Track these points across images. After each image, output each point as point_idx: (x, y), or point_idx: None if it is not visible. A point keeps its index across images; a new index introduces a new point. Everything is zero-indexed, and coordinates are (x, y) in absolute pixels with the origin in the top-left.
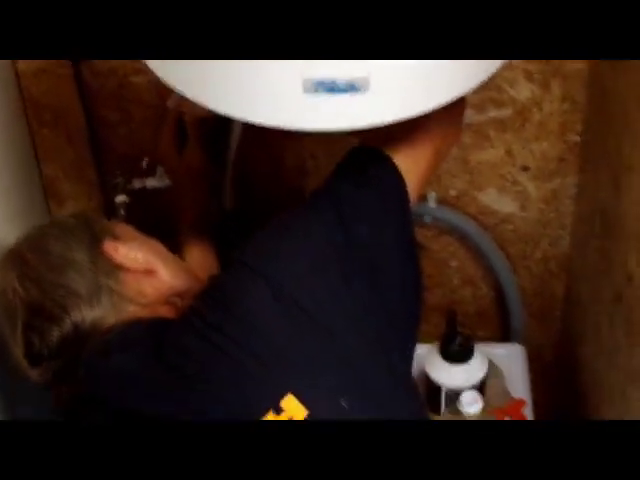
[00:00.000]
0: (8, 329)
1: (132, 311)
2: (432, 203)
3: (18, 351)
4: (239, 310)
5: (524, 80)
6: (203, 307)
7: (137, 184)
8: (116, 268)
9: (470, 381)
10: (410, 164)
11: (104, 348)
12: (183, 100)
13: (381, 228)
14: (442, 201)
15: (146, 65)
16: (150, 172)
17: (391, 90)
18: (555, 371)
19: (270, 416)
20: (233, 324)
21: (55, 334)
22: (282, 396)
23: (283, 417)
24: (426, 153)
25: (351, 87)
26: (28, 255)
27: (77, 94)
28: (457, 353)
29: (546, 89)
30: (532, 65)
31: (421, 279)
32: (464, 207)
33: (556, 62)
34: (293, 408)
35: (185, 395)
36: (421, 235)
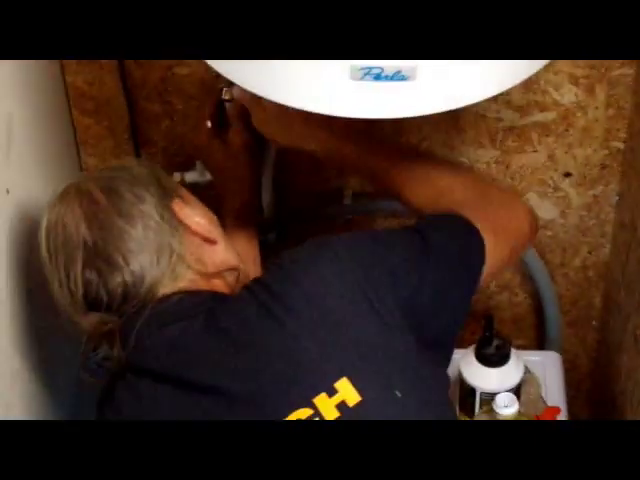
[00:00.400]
0: (63, 267)
1: (188, 279)
2: None
3: (73, 291)
4: (306, 285)
5: (569, 84)
6: (269, 277)
7: (176, 178)
8: (181, 228)
9: (505, 385)
10: (493, 247)
11: (161, 319)
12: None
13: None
14: None
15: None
16: (190, 166)
17: (438, 80)
18: (591, 381)
19: (323, 396)
20: (297, 298)
21: (115, 280)
22: (337, 378)
23: (335, 399)
24: (508, 244)
25: (398, 75)
26: (98, 195)
27: (120, 85)
28: (493, 357)
29: (591, 94)
30: (578, 69)
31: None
32: None
33: (602, 67)
34: (347, 392)
35: (237, 362)
36: None
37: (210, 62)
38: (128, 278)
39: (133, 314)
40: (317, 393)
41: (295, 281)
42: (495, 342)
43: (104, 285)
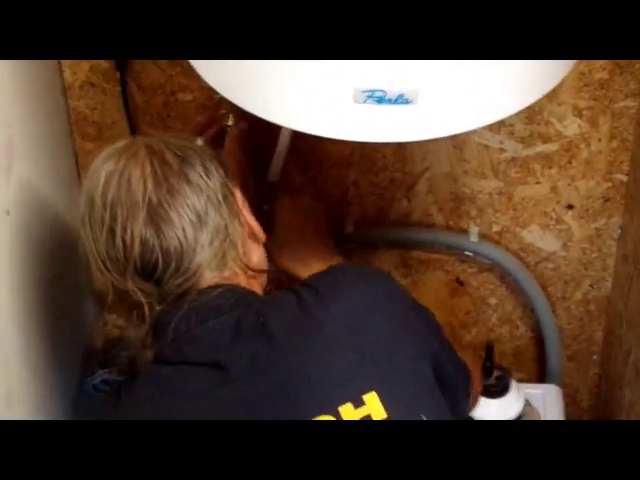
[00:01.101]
0: (121, 220)
1: (233, 271)
2: (474, 238)
3: (128, 247)
4: (354, 295)
5: (573, 116)
6: (316, 281)
7: None
8: (238, 216)
9: (505, 416)
10: None
11: (200, 313)
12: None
13: None
14: (484, 236)
15: (199, 74)
16: None
17: (441, 104)
18: (592, 415)
19: (348, 406)
20: (342, 305)
21: (171, 244)
22: (366, 391)
23: (361, 411)
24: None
25: (401, 99)
26: (170, 159)
27: (122, 110)
28: (493, 387)
29: (594, 126)
30: (581, 101)
31: None
32: (506, 243)
33: (606, 99)
34: (374, 406)
35: (271, 357)
36: (461, 270)
37: (215, 86)
38: (185, 247)
39: (170, 305)
40: (344, 402)
41: (343, 289)
42: (495, 373)
43: (161, 248)
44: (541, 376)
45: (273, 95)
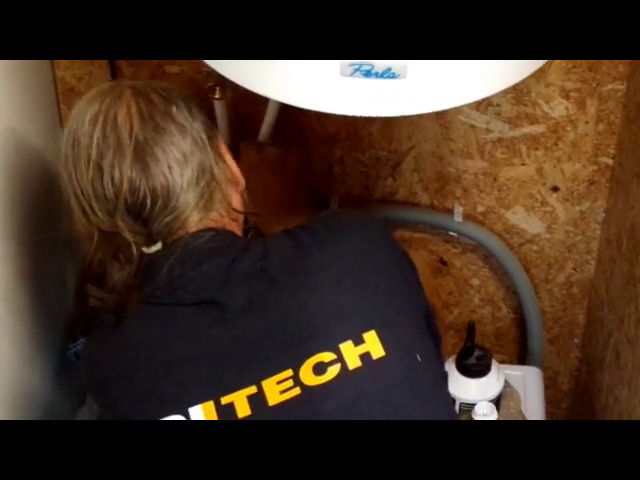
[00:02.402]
0: (110, 158)
1: (219, 213)
2: (458, 217)
3: (117, 184)
4: (354, 237)
5: (560, 97)
6: (315, 224)
7: None
8: (221, 159)
9: (485, 396)
10: None
11: (194, 257)
12: None
13: None
14: (468, 217)
15: None
16: None
17: (429, 80)
18: (571, 398)
19: (349, 344)
20: (342, 247)
21: (158, 180)
22: (366, 329)
23: (361, 349)
24: None
25: (389, 73)
26: (156, 98)
27: (109, 80)
28: (474, 367)
29: (582, 108)
30: (569, 83)
31: None
32: (490, 224)
33: (593, 82)
34: (373, 344)
35: (270, 296)
36: (445, 250)
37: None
38: (172, 185)
39: (163, 248)
40: (344, 339)
41: (342, 230)
42: (476, 353)
43: (147, 185)
44: (522, 358)
45: (261, 67)
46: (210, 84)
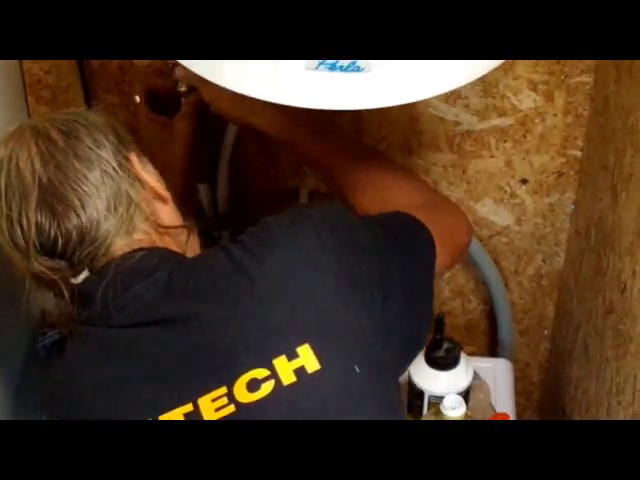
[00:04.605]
0: (15, 205)
1: (144, 232)
2: None
3: (25, 231)
4: (285, 250)
5: (528, 90)
6: (248, 238)
7: None
8: (137, 180)
9: (454, 389)
10: (439, 251)
11: (126, 279)
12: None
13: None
14: None
15: None
16: None
17: (394, 73)
18: (541, 390)
19: (282, 359)
20: (274, 261)
21: (71, 222)
22: (300, 343)
23: (295, 363)
24: (451, 252)
25: (353, 67)
26: (56, 135)
27: (77, 74)
28: (442, 360)
29: (550, 100)
30: (537, 75)
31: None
32: None
33: (561, 74)
34: (307, 358)
35: (203, 313)
36: None
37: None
38: (84, 221)
39: (95, 274)
40: (278, 355)
41: (276, 244)
42: (445, 345)
43: (58, 227)
44: (492, 350)
45: (225, 60)
46: (170, 64)
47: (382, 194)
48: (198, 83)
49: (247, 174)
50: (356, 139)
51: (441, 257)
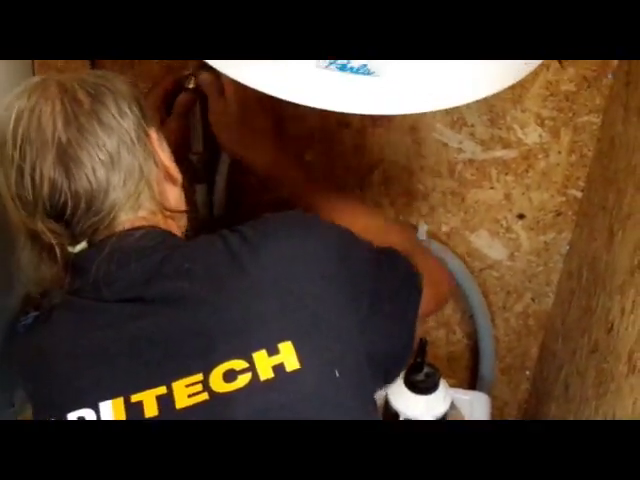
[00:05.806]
0: (30, 159)
1: (150, 211)
2: (422, 235)
3: (37, 187)
4: (283, 246)
5: (535, 124)
6: (247, 229)
7: None
8: (152, 157)
9: (430, 413)
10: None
11: (122, 256)
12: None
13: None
14: (432, 235)
15: None
16: None
17: (406, 80)
18: None
19: (262, 353)
20: (270, 254)
21: (80, 184)
22: (282, 340)
23: (274, 360)
24: (434, 299)
25: (364, 69)
26: (83, 97)
27: (87, 65)
28: (421, 384)
29: (556, 137)
30: (545, 110)
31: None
32: (453, 246)
33: (570, 111)
34: (288, 356)
35: (193, 295)
36: None
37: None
38: (95, 188)
39: (93, 247)
40: (258, 348)
41: (274, 239)
42: (425, 370)
43: (69, 188)
44: (472, 385)
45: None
46: (187, 73)
47: (374, 238)
48: (211, 96)
49: (245, 182)
50: (343, 191)
51: (426, 297)
